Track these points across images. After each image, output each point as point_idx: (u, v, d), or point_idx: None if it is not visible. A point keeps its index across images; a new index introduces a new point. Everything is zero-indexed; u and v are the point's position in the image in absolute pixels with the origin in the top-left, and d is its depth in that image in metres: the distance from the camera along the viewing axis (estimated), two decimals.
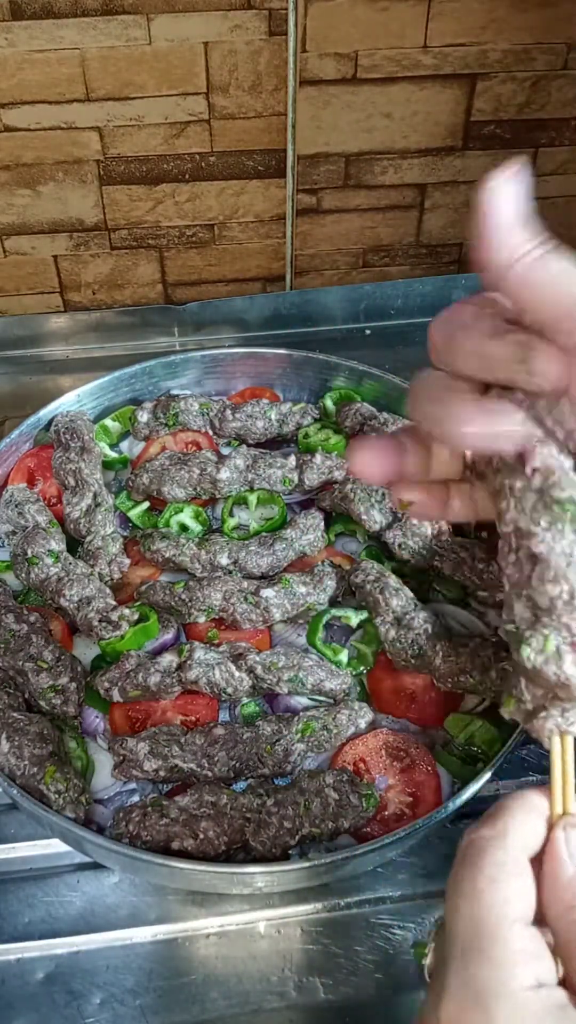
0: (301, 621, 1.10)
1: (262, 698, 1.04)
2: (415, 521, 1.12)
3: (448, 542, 1.11)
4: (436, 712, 1.01)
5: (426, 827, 0.86)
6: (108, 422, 1.32)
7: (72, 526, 1.16)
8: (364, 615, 1.09)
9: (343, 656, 1.05)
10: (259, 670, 1.00)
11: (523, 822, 0.47)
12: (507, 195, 0.46)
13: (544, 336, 0.46)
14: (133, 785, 0.96)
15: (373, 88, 1.43)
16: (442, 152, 1.53)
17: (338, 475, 1.22)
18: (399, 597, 1.05)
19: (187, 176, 1.50)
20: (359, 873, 0.92)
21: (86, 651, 1.08)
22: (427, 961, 0.47)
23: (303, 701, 1.02)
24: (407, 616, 1.04)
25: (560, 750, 0.50)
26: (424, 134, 1.50)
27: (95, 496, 1.17)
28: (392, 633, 1.03)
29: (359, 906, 0.91)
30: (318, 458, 1.22)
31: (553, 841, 0.46)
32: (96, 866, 0.93)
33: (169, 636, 1.06)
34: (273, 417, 1.29)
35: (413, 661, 1.02)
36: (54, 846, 0.94)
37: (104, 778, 0.97)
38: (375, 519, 1.14)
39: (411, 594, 1.06)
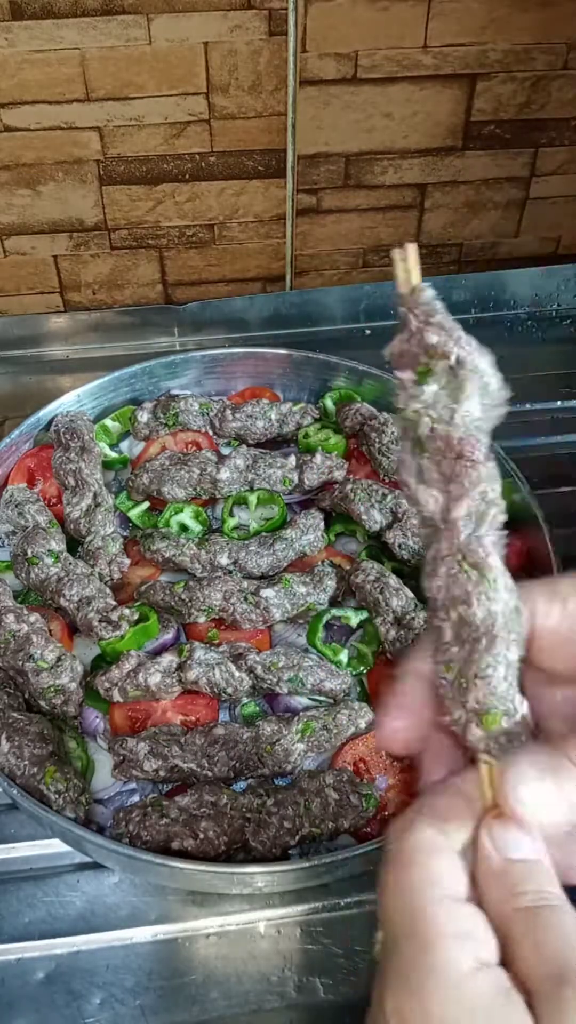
0: (301, 621, 1.10)
1: (262, 698, 1.04)
2: (415, 521, 1.12)
3: None
4: None
5: None
6: (108, 422, 1.32)
7: (72, 526, 1.16)
8: (364, 615, 1.09)
9: (343, 656, 1.05)
10: (259, 670, 1.00)
11: (437, 804, 0.46)
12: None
13: None
14: (133, 785, 0.96)
15: (373, 88, 1.43)
16: (442, 152, 1.53)
17: (338, 475, 1.22)
18: (399, 597, 1.05)
19: (187, 176, 1.50)
20: (359, 873, 0.92)
21: (86, 651, 1.08)
22: (376, 951, 0.45)
23: (303, 701, 1.02)
24: (407, 616, 1.04)
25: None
26: (424, 134, 1.50)
27: (95, 496, 1.17)
28: (392, 633, 1.03)
29: (359, 906, 0.91)
30: (318, 458, 1.22)
31: (479, 837, 0.44)
32: (96, 866, 0.93)
33: (169, 636, 1.06)
34: (273, 417, 1.29)
35: None
36: (54, 846, 0.94)
37: (104, 778, 0.97)
38: (375, 519, 1.14)
39: (411, 594, 1.06)
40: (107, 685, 0.99)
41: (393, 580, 1.07)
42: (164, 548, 1.13)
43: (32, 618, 1.03)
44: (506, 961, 0.41)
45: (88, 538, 1.14)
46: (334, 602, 1.10)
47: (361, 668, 1.05)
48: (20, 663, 0.99)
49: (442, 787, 0.48)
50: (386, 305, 1.60)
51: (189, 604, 1.06)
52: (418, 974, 0.40)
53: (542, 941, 0.41)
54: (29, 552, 1.10)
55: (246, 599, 1.06)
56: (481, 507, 0.49)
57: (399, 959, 0.41)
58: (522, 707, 0.49)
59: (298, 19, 1.32)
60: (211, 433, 1.31)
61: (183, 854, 0.87)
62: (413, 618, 1.03)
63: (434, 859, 0.44)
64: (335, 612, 1.09)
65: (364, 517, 1.14)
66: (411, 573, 1.14)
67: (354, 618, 1.09)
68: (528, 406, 1.43)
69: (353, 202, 1.57)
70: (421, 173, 1.55)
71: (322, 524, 1.16)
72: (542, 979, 0.40)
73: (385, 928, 0.43)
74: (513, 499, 1.16)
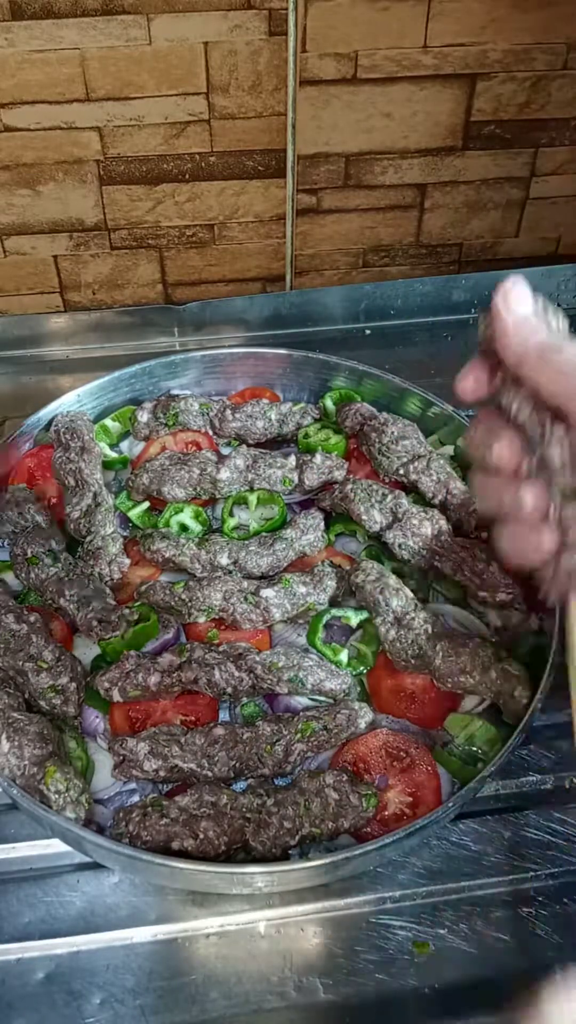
0: (301, 621, 1.10)
1: (262, 698, 1.04)
2: (415, 521, 1.12)
3: (448, 542, 1.11)
4: (436, 712, 1.01)
5: (426, 827, 0.86)
6: (108, 422, 1.32)
7: (72, 526, 1.16)
8: (364, 615, 1.08)
9: (343, 656, 1.05)
10: (259, 670, 1.00)
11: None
12: (519, 294, 0.59)
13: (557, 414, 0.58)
14: (133, 785, 0.96)
15: (373, 88, 1.43)
16: (442, 152, 1.53)
17: (338, 475, 1.22)
18: (399, 597, 1.05)
19: (187, 176, 1.50)
20: (359, 873, 0.92)
21: (86, 651, 1.08)
22: None
23: (303, 701, 1.02)
24: (407, 616, 1.04)
25: None
26: (424, 134, 1.50)
27: (95, 496, 1.17)
28: (392, 633, 1.03)
29: (359, 906, 0.91)
30: (318, 458, 1.22)
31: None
32: (96, 866, 0.93)
33: (169, 636, 1.06)
34: (273, 417, 1.29)
35: (413, 662, 1.02)
36: (54, 846, 0.94)
37: (104, 778, 0.97)
38: (375, 519, 1.14)
39: (411, 594, 1.06)
40: (107, 685, 0.99)
41: (393, 580, 1.07)
42: (164, 548, 1.13)
43: (32, 618, 1.04)
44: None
45: (88, 538, 1.14)
46: (334, 602, 1.10)
47: (361, 668, 1.05)
48: (20, 663, 0.99)
49: None
50: (386, 305, 1.60)
51: (189, 604, 1.06)
52: None
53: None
54: (29, 552, 1.10)
55: (246, 599, 1.06)
56: None
57: None
58: None
59: (298, 19, 1.32)
60: (211, 433, 1.31)
61: (183, 854, 0.87)
62: (413, 618, 1.03)
63: None
64: (335, 612, 1.09)
65: (364, 517, 1.14)
66: (411, 573, 1.14)
67: (354, 618, 1.09)
68: None
69: (353, 202, 1.57)
70: (421, 173, 1.55)
71: (322, 524, 1.16)
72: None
73: None
74: None
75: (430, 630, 1.03)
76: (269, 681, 1.00)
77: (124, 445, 1.34)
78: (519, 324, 0.58)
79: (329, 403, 1.34)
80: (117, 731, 1.00)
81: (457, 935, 0.89)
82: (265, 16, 1.33)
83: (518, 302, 0.58)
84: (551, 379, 0.57)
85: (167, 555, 1.12)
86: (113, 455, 1.30)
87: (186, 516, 1.21)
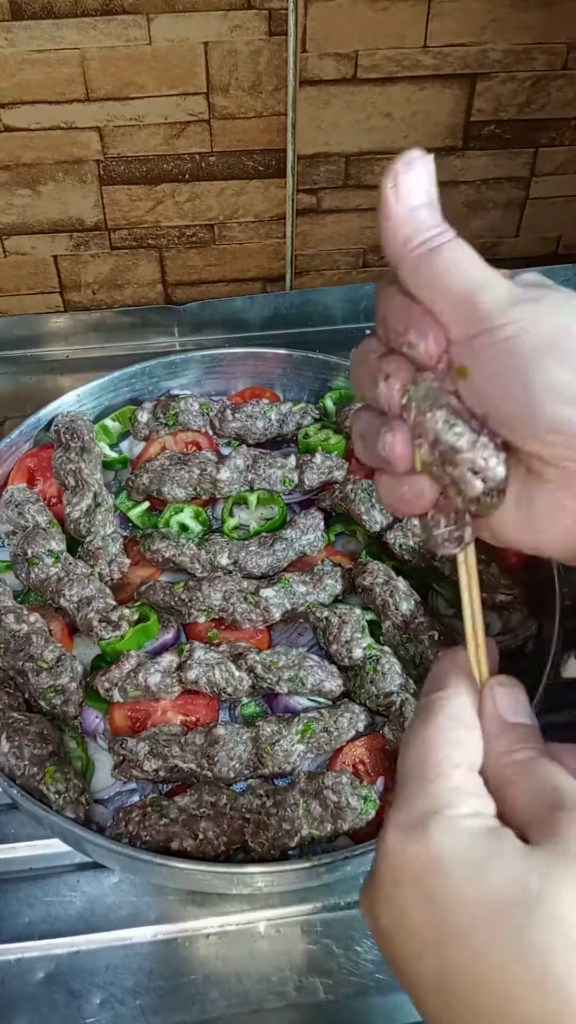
0: (302, 621, 1.10)
1: (262, 698, 1.04)
2: (415, 521, 1.12)
3: None
4: None
5: None
6: (108, 422, 1.32)
7: (72, 526, 1.16)
8: (370, 616, 1.08)
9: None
10: (259, 669, 1.00)
11: (466, 682, 0.51)
12: (414, 178, 0.47)
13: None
14: (133, 785, 0.96)
15: (373, 88, 1.43)
16: (442, 152, 1.53)
17: (338, 475, 1.22)
18: (408, 602, 1.06)
19: (187, 176, 1.50)
20: (359, 873, 0.92)
21: (86, 651, 1.08)
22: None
23: (303, 702, 1.02)
24: (416, 620, 1.04)
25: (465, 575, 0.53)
26: (424, 134, 1.50)
27: (95, 496, 1.17)
28: (399, 636, 1.04)
29: (359, 906, 0.91)
30: (318, 458, 1.22)
31: (482, 701, 0.50)
32: (96, 866, 0.93)
33: (169, 636, 1.06)
34: (273, 417, 1.29)
35: (415, 672, 1.02)
36: (54, 846, 0.94)
37: (104, 778, 0.97)
38: (375, 519, 1.14)
39: (419, 597, 1.07)
40: (107, 685, 0.99)
41: (403, 584, 1.07)
42: (164, 548, 1.13)
43: (32, 618, 1.04)
44: (500, 814, 0.46)
45: (88, 538, 1.14)
46: (337, 601, 1.10)
47: None
48: (20, 663, 0.99)
49: (458, 663, 0.52)
50: None
51: (189, 604, 1.06)
52: (423, 815, 0.45)
53: (535, 783, 0.46)
54: (29, 552, 1.10)
55: (246, 599, 1.06)
56: None
57: (408, 805, 0.46)
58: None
59: (298, 19, 1.32)
60: (211, 433, 1.31)
61: (183, 854, 0.87)
62: (421, 623, 1.04)
63: (464, 731, 0.49)
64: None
65: (364, 517, 1.14)
66: (411, 573, 1.14)
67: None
68: None
69: (353, 202, 1.57)
70: None
71: (322, 524, 1.16)
72: (535, 811, 0.44)
73: (399, 780, 0.48)
74: None
75: (436, 636, 1.03)
76: (269, 680, 1.00)
77: (124, 445, 1.34)
78: (405, 214, 0.47)
79: (329, 403, 1.34)
80: (117, 731, 1.00)
81: None
82: (265, 16, 1.33)
83: (414, 185, 0.47)
84: (427, 281, 0.48)
85: (167, 555, 1.12)
86: (113, 455, 1.30)
87: (186, 516, 1.21)
